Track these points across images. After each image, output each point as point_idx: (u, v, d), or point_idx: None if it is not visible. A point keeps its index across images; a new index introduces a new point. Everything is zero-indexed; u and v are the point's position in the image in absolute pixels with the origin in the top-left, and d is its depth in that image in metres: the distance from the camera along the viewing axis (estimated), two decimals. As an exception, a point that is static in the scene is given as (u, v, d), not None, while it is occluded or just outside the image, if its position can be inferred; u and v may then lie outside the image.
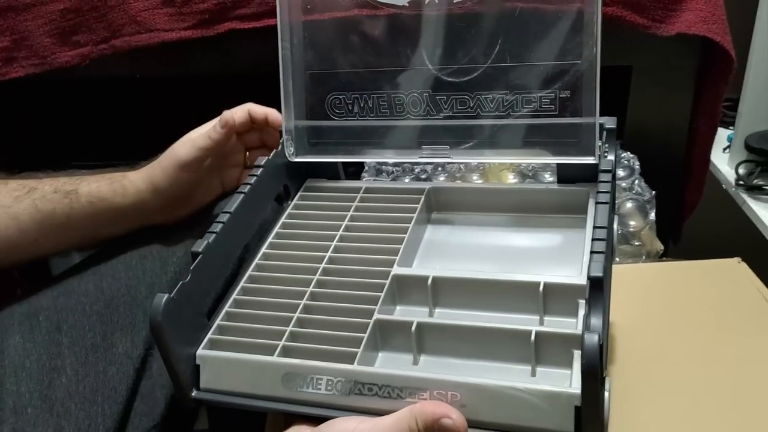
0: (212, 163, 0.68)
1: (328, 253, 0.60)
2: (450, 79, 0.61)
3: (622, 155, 0.81)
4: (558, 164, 0.61)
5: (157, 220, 0.69)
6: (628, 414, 0.59)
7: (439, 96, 0.62)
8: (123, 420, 0.59)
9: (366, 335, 0.51)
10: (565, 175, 0.62)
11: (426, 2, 0.60)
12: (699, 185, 0.88)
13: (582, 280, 0.52)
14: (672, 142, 0.86)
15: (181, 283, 0.51)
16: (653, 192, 0.77)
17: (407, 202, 0.64)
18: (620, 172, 0.78)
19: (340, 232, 0.62)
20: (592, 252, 0.47)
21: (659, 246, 0.76)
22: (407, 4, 0.61)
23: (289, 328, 0.53)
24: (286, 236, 0.63)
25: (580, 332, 0.48)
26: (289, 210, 0.66)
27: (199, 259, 0.53)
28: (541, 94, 0.59)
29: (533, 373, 0.49)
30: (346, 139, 0.66)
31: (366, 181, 0.69)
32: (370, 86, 0.64)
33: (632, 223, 0.73)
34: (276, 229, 0.64)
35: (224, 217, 0.57)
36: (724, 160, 1.07)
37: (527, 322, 0.52)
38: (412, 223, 0.61)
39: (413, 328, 0.51)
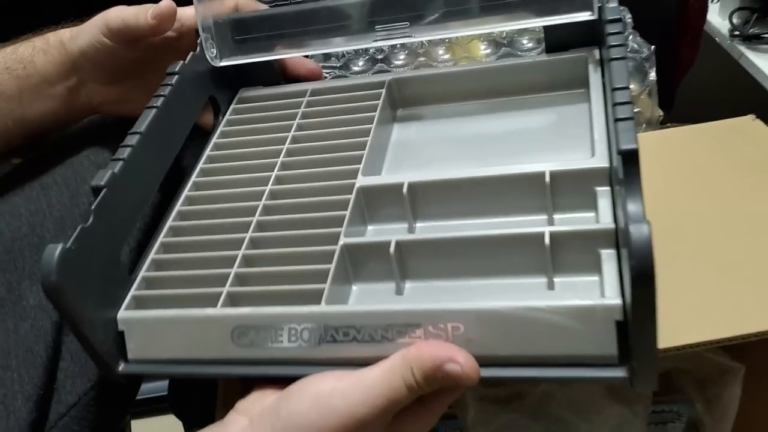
0: (160, 54, 0.54)
1: (274, 172, 0.47)
2: (401, -65, 0.48)
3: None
4: (545, 28, 0.49)
5: (90, 97, 0.55)
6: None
7: (389, -41, 0.49)
8: (48, 384, 0.47)
9: (333, 266, 0.40)
10: (554, 40, 0.50)
11: None
12: (696, 38, 0.76)
13: (596, 162, 0.40)
14: None
15: (80, 227, 0.38)
16: (652, 47, 0.64)
17: (365, 100, 0.52)
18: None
19: (286, 146, 0.49)
20: (617, 120, 0.36)
21: (659, 112, 0.64)
22: None
23: (234, 270, 0.41)
24: (220, 158, 0.51)
25: (608, 226, 0.37)
26: (220, 127, 0.53)
27: (102, 194, 0.41)
28: (518, -62, 0.47)
29: (551, 286, 0.38)
30: (280, 29, 0.53)
31: (312, 83, 0.56)
32: (302, -42, 0.50)
33: (630, 86, 0.61)
34: (206, 151, 0.51)
35: (133, 140, 0.44)
36: (715, 11, 0.95)
37: (534, 224, 0.41)
38: (374, 123, 0.49)
39: (392, 248, 0.40)
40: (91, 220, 0.39)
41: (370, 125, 0.49)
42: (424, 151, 0.50)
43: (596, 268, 0.37)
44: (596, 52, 0.49)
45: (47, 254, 0.36)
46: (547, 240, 0.37)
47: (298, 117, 0.52)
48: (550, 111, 0.49)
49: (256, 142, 0.51)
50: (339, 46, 0.52)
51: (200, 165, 0.50)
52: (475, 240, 0.39)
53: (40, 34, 0.54)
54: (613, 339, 0.33)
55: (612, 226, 0.37)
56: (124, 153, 0.43)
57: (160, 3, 0.50)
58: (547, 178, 0.41)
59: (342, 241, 0.41)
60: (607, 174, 0.40)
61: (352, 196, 0.44)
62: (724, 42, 0.91)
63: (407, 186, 0.43)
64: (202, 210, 0.47)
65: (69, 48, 0.52)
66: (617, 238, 0.37)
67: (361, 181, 0.45)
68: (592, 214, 0.40)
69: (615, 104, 0.37)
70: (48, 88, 0.53)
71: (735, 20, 0.91)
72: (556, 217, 0.41)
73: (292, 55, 0.54)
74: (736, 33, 0.89)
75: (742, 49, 0.87)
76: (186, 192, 0.48)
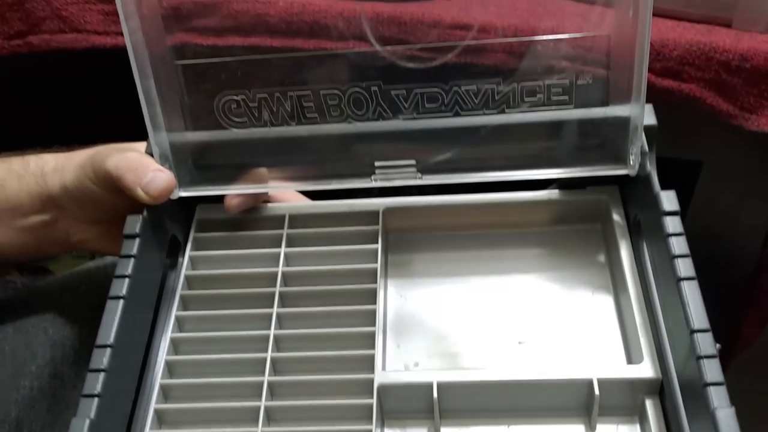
0: None
1: (268, 354, 0.40)
2: (410, 65, 0.40)
3: None
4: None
5: (69, 233, 0.47)
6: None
7: (395, 90, 0.41)
8: None
9: None
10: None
11: (364, -56, 0.37)
12: (763, 318, 0.67)
13: (645, 372, 0.37)
14: (739, 262, 0.66)
15: None
16: (718, 345, 0.58)
17: (360, 241, 0.45)
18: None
19: (275, 310, 0.42)
20: (700, 358, 0.32)
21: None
22: (333, -51, 0.37)
23: None
24: (190, 323, 0.43)
25: None
26: (183, 271, 0.44)
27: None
28: (550, 81, 0.40)
29: None
30: (254, 158, 0.44)
31: (288, 206, 0.48)
32: (287, 80, 0.41)
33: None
34: (173, 311, 0.42)
35: (102, 359, 0.35)
36: None
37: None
38: (378, 281, 0.42)
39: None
40: None
41: (374, 285, 0.42)
42: (429, 319, 0.43)
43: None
44: (617, 193, 0.45)
45: None
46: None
47: (280, 262, 0.44)
48: (565, 263, 0.45)
49: (233, 300, 0.43)
50: (328, 184, 0.44)
51: (169, 334, 0.42)
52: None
53: (21, 155, 0.47)
54: None
55: None
56: (95, 386, 0.34)
57: (157, 181, 0.41)
58: (596, 390, 0.37)
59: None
60: (659, 385, 0.37)
61: (374, 401, 0.38)
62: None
63: (436, 387, 0.38)
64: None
65: (50, 181, 0.44)
66: None
67: (381, 377, 0.39)
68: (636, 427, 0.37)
69: (693, 332, 0.33)
70: (16, 219, 0.46)
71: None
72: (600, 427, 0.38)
73: (268, 189, 0.45)
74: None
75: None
76: (155, 394, 0.39)
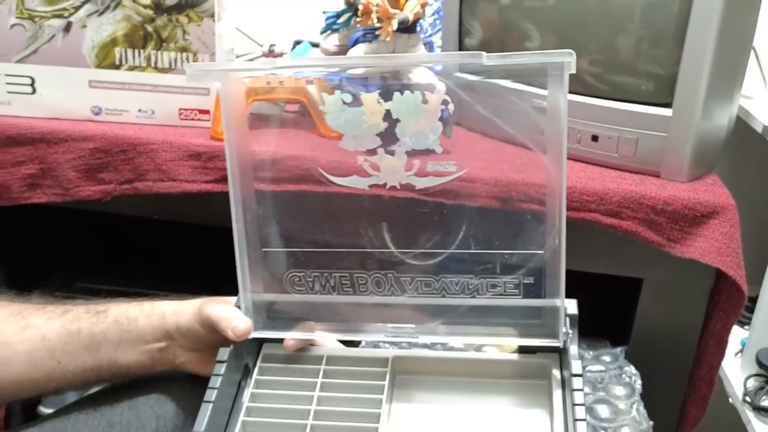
0: None
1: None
2: (414, 262, 0.61)
3: (625, 369, 0.81)
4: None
5: (175, 356, 0.66)
6: None
7: (403, 277, 0.62)
8: None
9: None
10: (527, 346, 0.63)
11: (387, 186, 0.59)
12: (703, 402, 0.84)
13: None
14: (678, 357, 0.84)
15: None
16: (651, 423, 0.75)
17: (373, 378, 0.63)
18: (620, 390, 0.79)
19: (308, 426, 0.60)
20: None
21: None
22: (368, 188, 0.60)
23: None
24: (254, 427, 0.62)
25: None
26: (250, 389, 0.64)
27: None
28: (506, 279, 0.60)
29: None
30: (307, 314, 0.65)
31: (326, 349, 0.68)
32: (332, 266, 0.63)
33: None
34: (240, 417, 0.62)
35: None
36: (736, 366, 0.98)
37: None
38: (381, 410, 0.61)
39: None
40: None
41: (378, 410, 0.61)
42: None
43: None
44: (557, 358, 0.63)
45: None
46: None
47: (317, 389, 0.63)
48: (520, 406, 0.62)
49: (282, 412, 0.62)
50: (356, 336, 0.64)
51: (236, 432, 0.61)
52: None
53: (150, 300, 0.67)
54: None
55: None
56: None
57: (241, 326, 0.61)
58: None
59: None
60: None
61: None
62: (736, 402, 0.93)
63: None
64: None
65: (168, 321, 0.65)
66: None
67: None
68: None
69: None
70: (142, 345, 0.66)
71: (749, 385, 0.93)
72: None
73: (315, 336, 0.65)
74: (747, 400, 0.92)
75: (751, 416, 0.89)
76: None
